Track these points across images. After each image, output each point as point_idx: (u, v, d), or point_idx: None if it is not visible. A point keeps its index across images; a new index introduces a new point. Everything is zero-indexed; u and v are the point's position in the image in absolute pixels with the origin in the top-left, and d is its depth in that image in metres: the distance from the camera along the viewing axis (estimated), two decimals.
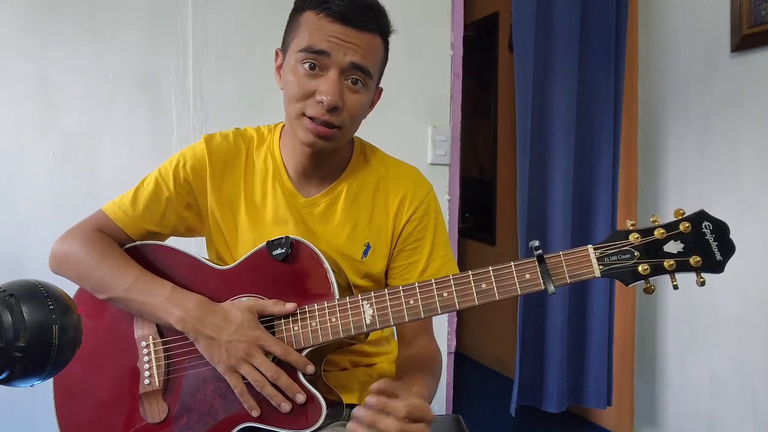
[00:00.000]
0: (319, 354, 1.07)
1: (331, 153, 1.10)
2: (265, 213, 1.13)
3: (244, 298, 1.05)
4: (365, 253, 1.13)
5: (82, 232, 1.11)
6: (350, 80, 1.03)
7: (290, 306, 1.00)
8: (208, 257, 1.19)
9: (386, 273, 1.18)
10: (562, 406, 2.42)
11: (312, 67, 1.01)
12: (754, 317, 2.06)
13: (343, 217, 1.13)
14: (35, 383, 0.67)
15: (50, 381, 1.08)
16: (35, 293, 0.66)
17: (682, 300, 2.33)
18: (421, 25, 2.13)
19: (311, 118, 1.02)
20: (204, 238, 1.21)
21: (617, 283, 2.43)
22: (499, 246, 3.34)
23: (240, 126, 1.22)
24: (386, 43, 1.09)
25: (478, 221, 3.61)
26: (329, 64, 1.01)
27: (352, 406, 1.13)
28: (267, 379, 0.98)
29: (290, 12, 1.10)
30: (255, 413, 1.00)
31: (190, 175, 1.13)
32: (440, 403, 2.25)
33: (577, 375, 2.47)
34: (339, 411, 1.03)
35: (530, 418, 2.62)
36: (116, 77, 1.91)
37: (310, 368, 0.99)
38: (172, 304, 1.02)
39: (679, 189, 2.36)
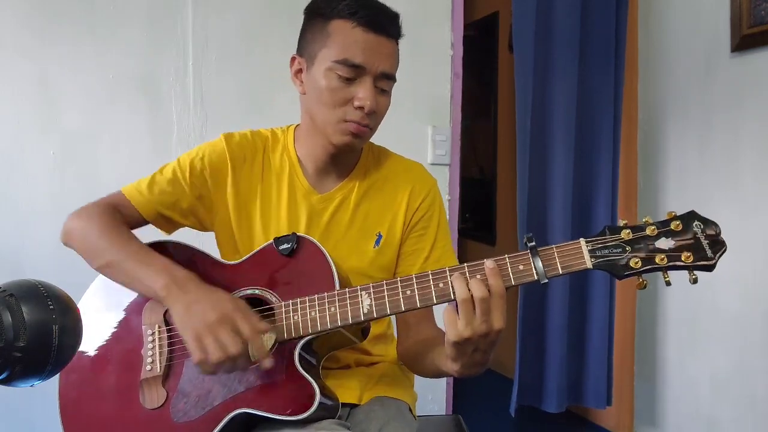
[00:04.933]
0: (321, 349, 1.08)
1: (350, 151, 1.16)
2: (279, 211, 1.17)
3: (247, 291, 1.08)
4: (377, 242, 1.19)
5: (97, 205, 1.15)
6: (380, 86, 1.10)
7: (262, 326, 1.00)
8: (219, 253, 1.21)
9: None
10: (562, 406, 2.42)
11: (348, 78, 1.08)
12: (754, 317, 2.06)
13: (356, 210, 1.19)
14: (35, 383, 0.67)
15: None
16: (35, 293, 0.67)
17: (683, 300, 2.33)
18: (421, 25, 2.13)
19: (352, 122, 1.10)
20: (214, 236, 1.22)
21: (617, 284, 2.47)
22: (499, 246, 3.33)
23: (242, 126, 1.25)
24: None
25: (478, 221, 3.61)
26: (364, 73, 1.08)
27: (351, 406, 1.14)
28: (227, 355, 0.96)
29: (308, 16, 1.13)
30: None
31: (207, 168, 1.17)
32: (440, 403, 2.25)
33: (576, 375, 2.47)
34: (335, 407, 1.04)
35: (530, 418, 2.62)
36: (116, 77, 1.91)
37: (268, 362, 0.97)
38: (163, 271, 1.03)
39: (679, 189, 2.36)
